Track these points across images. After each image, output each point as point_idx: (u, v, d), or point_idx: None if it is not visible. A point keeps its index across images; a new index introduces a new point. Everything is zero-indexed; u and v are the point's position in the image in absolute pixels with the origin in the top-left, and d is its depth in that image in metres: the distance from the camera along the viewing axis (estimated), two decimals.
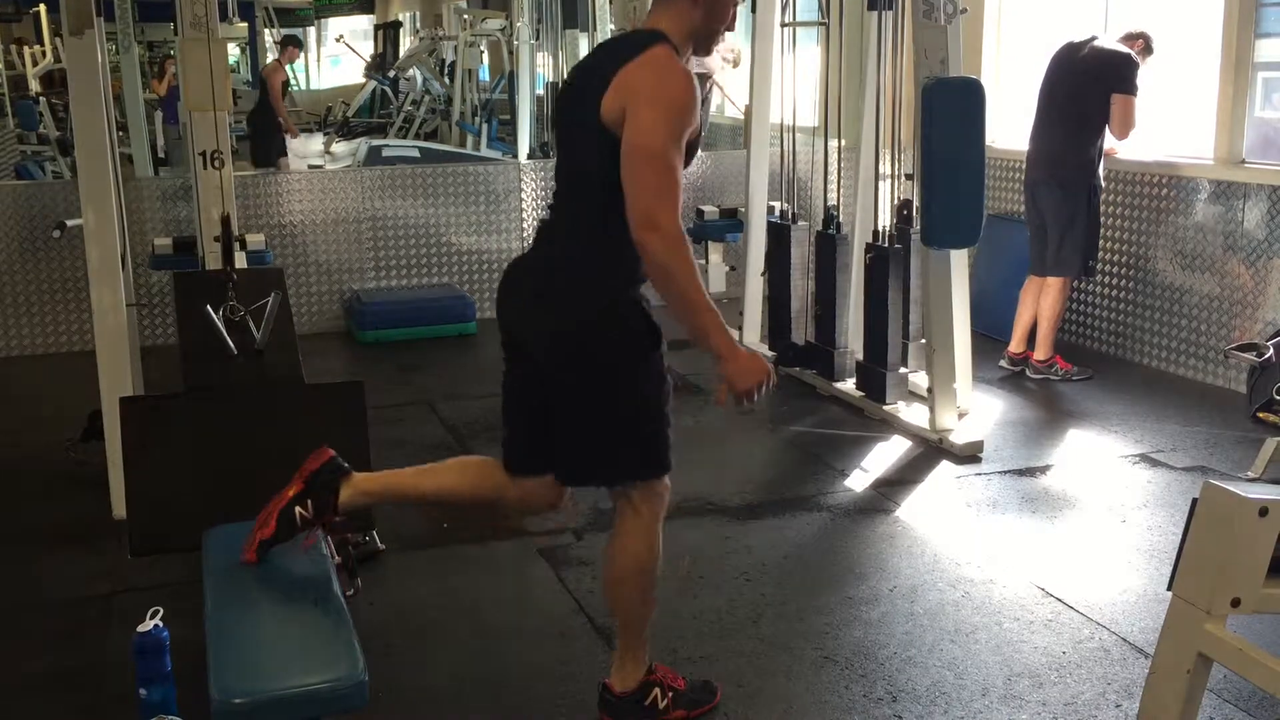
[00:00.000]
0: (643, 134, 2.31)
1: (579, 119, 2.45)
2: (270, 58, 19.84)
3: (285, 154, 11.16)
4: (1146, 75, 5.43)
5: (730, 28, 2.60)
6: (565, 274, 2.53)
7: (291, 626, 2.42)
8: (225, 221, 4.17)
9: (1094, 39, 5.49)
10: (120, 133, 7.94)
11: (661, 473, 2.63)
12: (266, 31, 21.09)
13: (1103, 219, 5.65)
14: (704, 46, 2.55)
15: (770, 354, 5.88)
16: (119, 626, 3.18)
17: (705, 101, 8.74)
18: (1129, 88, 5.33)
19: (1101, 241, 5.72)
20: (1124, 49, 5.39)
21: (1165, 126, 5.91)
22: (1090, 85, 5.39)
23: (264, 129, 11.18)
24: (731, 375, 2.43)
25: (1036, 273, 5.64)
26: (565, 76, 2.66)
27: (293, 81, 15.41)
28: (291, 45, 11.61)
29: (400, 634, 3.27)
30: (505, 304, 2.66)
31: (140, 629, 2.61)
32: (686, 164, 2.42)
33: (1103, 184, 5.49)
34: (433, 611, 3.43)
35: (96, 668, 3.11)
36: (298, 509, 2.53)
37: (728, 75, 8.92)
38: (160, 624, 2.62)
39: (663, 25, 2.47)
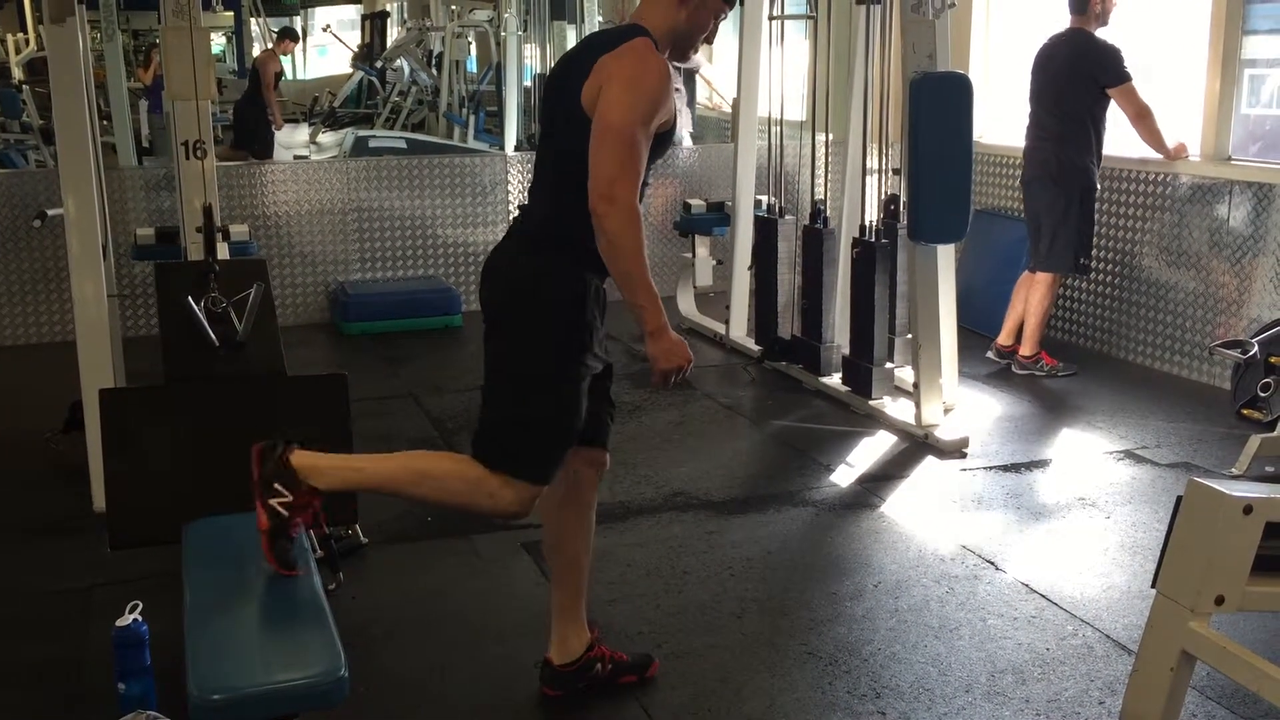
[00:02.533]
0: (611, 111, 2.41)
1: (561, 105, 2.54)
2: (258, 48, 19.76)
3: (270, 151, 11.05)
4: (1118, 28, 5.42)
5: (709, 39, 2.69)
6: (534, 243, 2.61)
7: (271, 621, 2.40)
8: (207, 212, 4.15)
9: (1068, 30, 5.46)
10: (104, 122, 7.89)
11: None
12: (254, 21, 21.00)
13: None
14: (681, 51, 2.65)
15: (757, 348, 5.89)
16: (98, 620, 3.15)
17: (689, 95, 8.76)
18: (1119, 77, 5.31)
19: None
20: (1096, 40, 5.36)
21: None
22: (1075, 83, 5.38)
23: (250, 120, 11.11)
24: (654, 353, 2.53)
25: (1032, 269, 5.64)
26: (552, 66, 2.72)
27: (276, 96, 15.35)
28: (287, 37, 11.53)
29: (382, 629, 3.25)
30: (483, 287, 2.72)
31: (119, 623, 2.59)
32: (659, 155, 2.54)
33: (1097, 184, 5.48)
34: (415, 606, 3.41)
35: (75, 661, 3.09)
36: (274, 502, 2.50)
37: (714, 69, 8.92)
38: (140, 618, 2.60)
39: (646, 20, 2.57)
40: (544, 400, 2.58)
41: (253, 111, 11.17)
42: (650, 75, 2.44)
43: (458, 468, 2.61)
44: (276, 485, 2.49)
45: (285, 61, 20.88)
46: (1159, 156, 5.61)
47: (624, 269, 2.44)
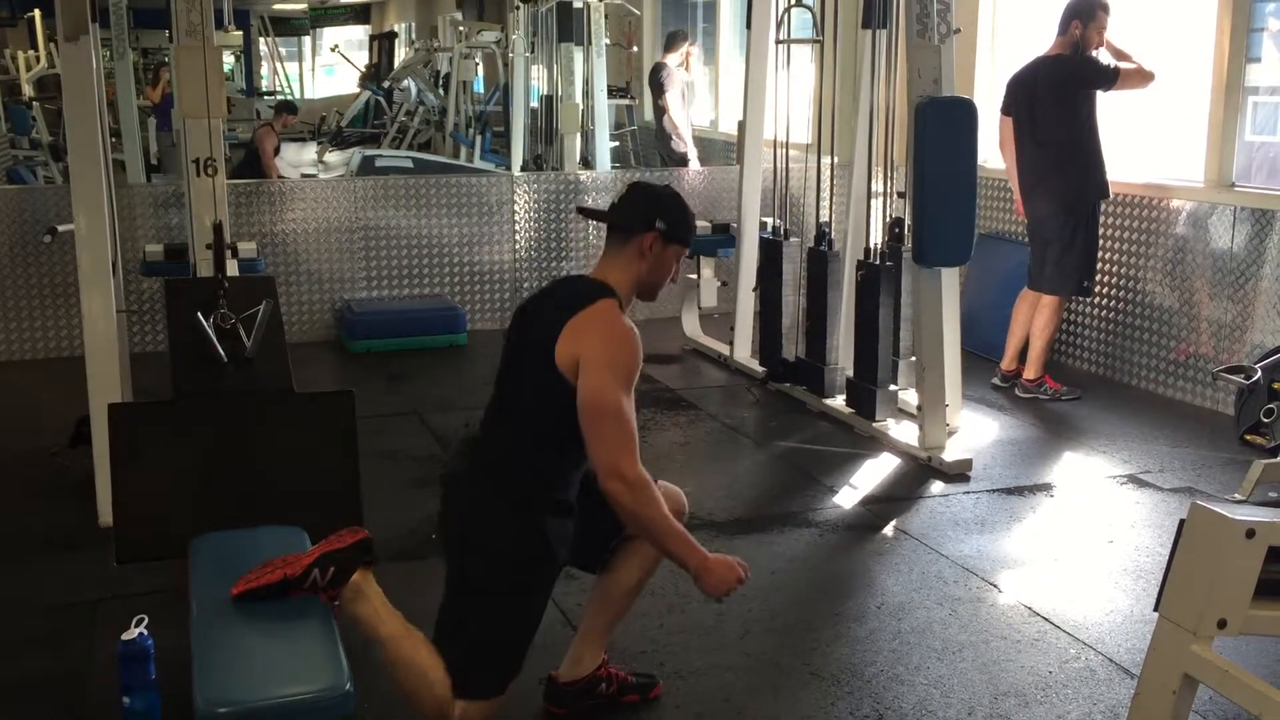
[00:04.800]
0: (598, 393, 2.47)
1: (531, 359, 2.59)
2: (266, 67, 19.88)
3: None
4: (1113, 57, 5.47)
5: (674, 279, 2.77)
6: (496, 496, 2.62)
7: (277, 636, 2.41)
8: (217, 229, 4.17)
9: (1045, 55, 5.51)
10: (113, 139, 7.92)
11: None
12: (262, 40, 21.12)
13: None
14: (648, 294, 2.73)
15: (761, 369, 5.90)
16: (104, 634, 3.16)
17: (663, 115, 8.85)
18: (1109, 76, 5.35)
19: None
20: (1073, 56, 5.40)
21: (1156, 149, 5.95)
22: (1058, 107, 5.41)
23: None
24: (708, 588, 2.54)
25: (1033, 287, 5.66)
26: (514, 315, 2.76)
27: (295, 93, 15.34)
28: (286, 112, 11.58)
29: None
30: (441, 517, 2.74)
31: (125, 636, 2.60)
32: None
33: (1109, 189, 5.50)
34: (419, 623, 3.40)
35: (81, 675, 3.10)
36: (316, 571, 2.52)
37: (683, 114, 8.98)
38: (145, 632, 2.61)
39: (610, 278, 2.65)
40: (507, 635, 2.62)
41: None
42: (625, 349, 2.52)
43: (442, 685, 2.59)
44: (331, 569, 2.52)
45: (292, 80, 21.00)
46: (1165, 183, 5.65)
47: (652, 533, 2.52)
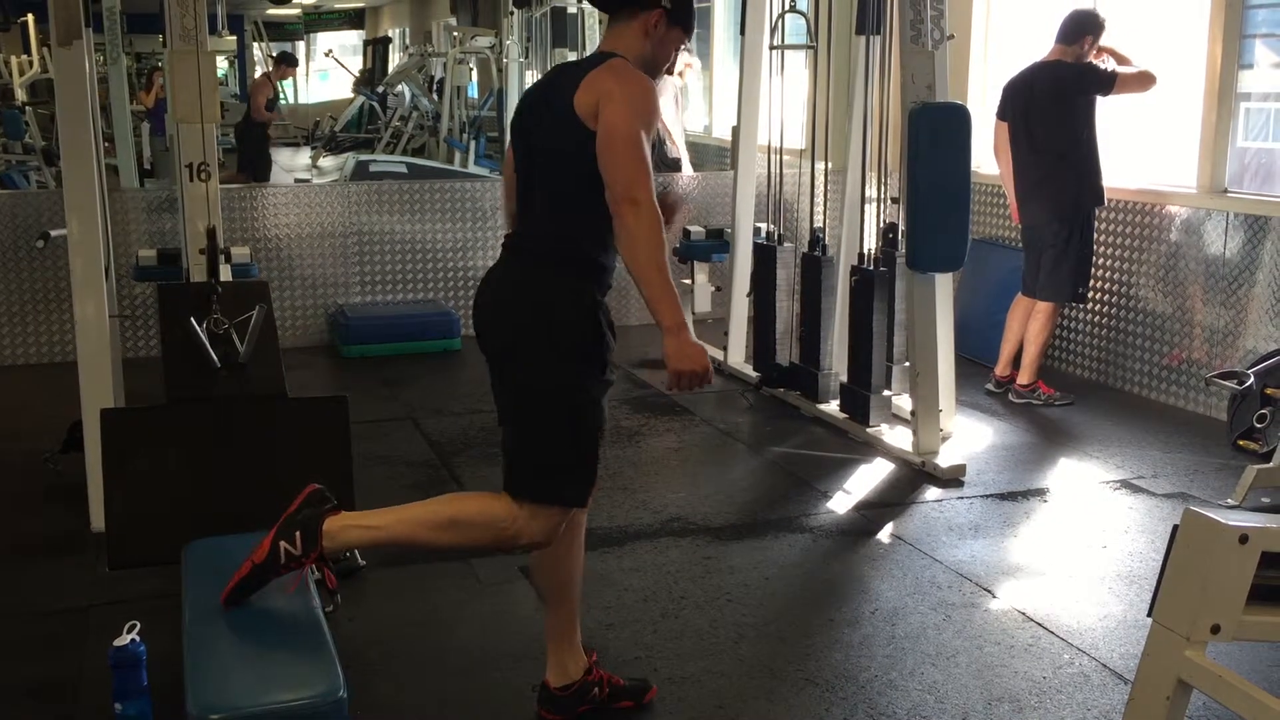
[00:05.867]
0: (618, 123, 2.49)
1: (546, 121, 2.62)
2: (259, 73, 19.83)
3: (268, 173, 11.12)
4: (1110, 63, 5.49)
5: (670, 70, 2.80)
6: (538, 266, 2.63)
7: (270, 642, 2.40)
8: (211, 234, 4.16)
9: (1044, 60, 5.52)
10: (106, 144, 7.92)
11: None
12: (256, 45, 21.11)
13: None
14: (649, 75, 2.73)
15: (755, 374, 5.90)
16: (96, 640, 3.15)
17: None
18: (1109, 81, 5.36)
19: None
20: (1073, 63, 5.41)
21: (1149, 155, 5.97)
22: (1056, 112, 5.42)
23: (250, 142, 11.18)
24: (671, 352, 2.51)
25: (1028, 293, 5.67)
26: (521, 99, 2.80)
27: (282, 97, 15.30)
28: (284, 63, 11.60)
29: (380, 651, 3.25)
30: (485, 320, 2.74)
31: (117, 643, 2.59)
32: None
33: (1104, 195, 5.51)
34: (413, 629, 3.41)
35: (72, 681, 3.08)
36: (283, 544, 2.51)
37: (677, 119, 8.99)
38: (137, 638, 2.60)
39: (617, 49, 2.67)
40: (577, 421, 2.61)
41: (250, 133, 11.22)
42: (641, 89, 2.55)
43: (482, 509, 2.62)
44: (296, 533, 2.51)
45: (286, 85, 20.97)
46: (1158, 189, 5.67)
47: (646, 266, 2.47)
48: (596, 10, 9.28)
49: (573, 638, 2.91)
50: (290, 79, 12.05)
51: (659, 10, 2.64)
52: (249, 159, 11.16)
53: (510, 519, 2.60)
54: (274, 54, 15.06)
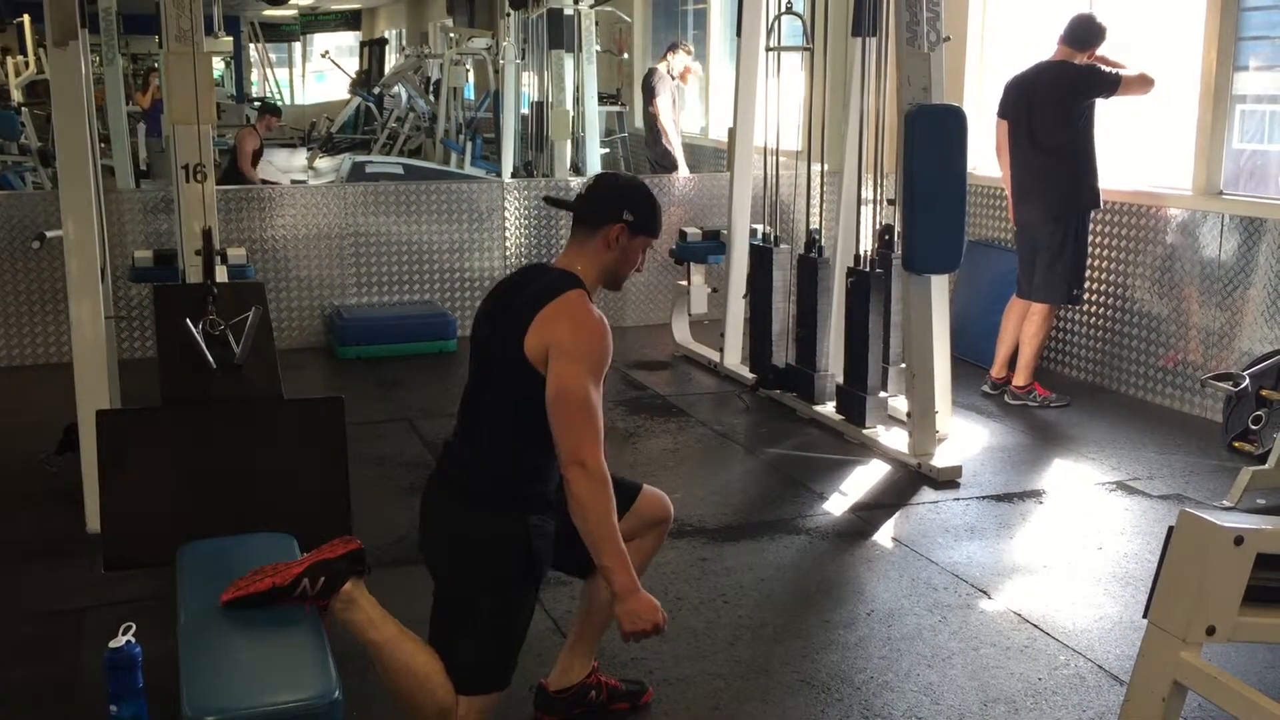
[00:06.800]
0: (567, 382, 2.47)
1: (499, 353, 2.60)
2: (256, 74, 19.85)
3: None
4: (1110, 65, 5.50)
5: (639, 269, 2.76)
6: (475, 502, 2.63)
7: (266, 644, 2.40)
8: (207, 235, 4.15)
9: (1048, 61, 5.53)
10: (102, 145, 7.91)
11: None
12: (252, 46, 21.10)
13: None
14: (614, 284, 2.73)
15: (751, 376, 5.91)
16: (91, 641, 3.15)
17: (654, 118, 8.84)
18: (1112, 80, 5.37)
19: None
20: (1077, 64, 5.43)
21: (1144, 157, 5.97)
22: (1058, 113, 5.43)
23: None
24: (621, 614, 2.51)
25: (1023, 295, 5.68)
26: (480, 305, 2.77)
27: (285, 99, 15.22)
28: (270, 114, 11.50)
29: None
30: (425, 540, 2.75)
31: (112, 644, 2.58)
32: None
33: (1100, 200, 5.52)
34: (412, 628, 3.39)
35: (68, 683, 3.08)
36: (306, 580, 2.51)
37: (673, 120, 8.98)
38: (133, 640, 2.59)
39: (577, 267, 2.64)
40: (502, 637, 2.62)
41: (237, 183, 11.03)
42: (593, 339, 2.52)
43: (444, 688, 2.59)
44: (321, 579, 2.52)
45: (282, 86, 20.96)
46: (1153, 191, 5.69)
47: (594, 533, 2.47)
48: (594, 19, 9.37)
49: (591, 649, 2.94)
50: (274, 130, 11.92)
51: (620, 224, 2.62)
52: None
53: (460, 704, 2.60)
54: (257, 104, 14.98)
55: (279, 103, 17.77)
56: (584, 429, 2.46)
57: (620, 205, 2.64)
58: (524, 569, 2.62)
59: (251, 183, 10.90)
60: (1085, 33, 5.46)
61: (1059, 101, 5.43)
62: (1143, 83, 5.41)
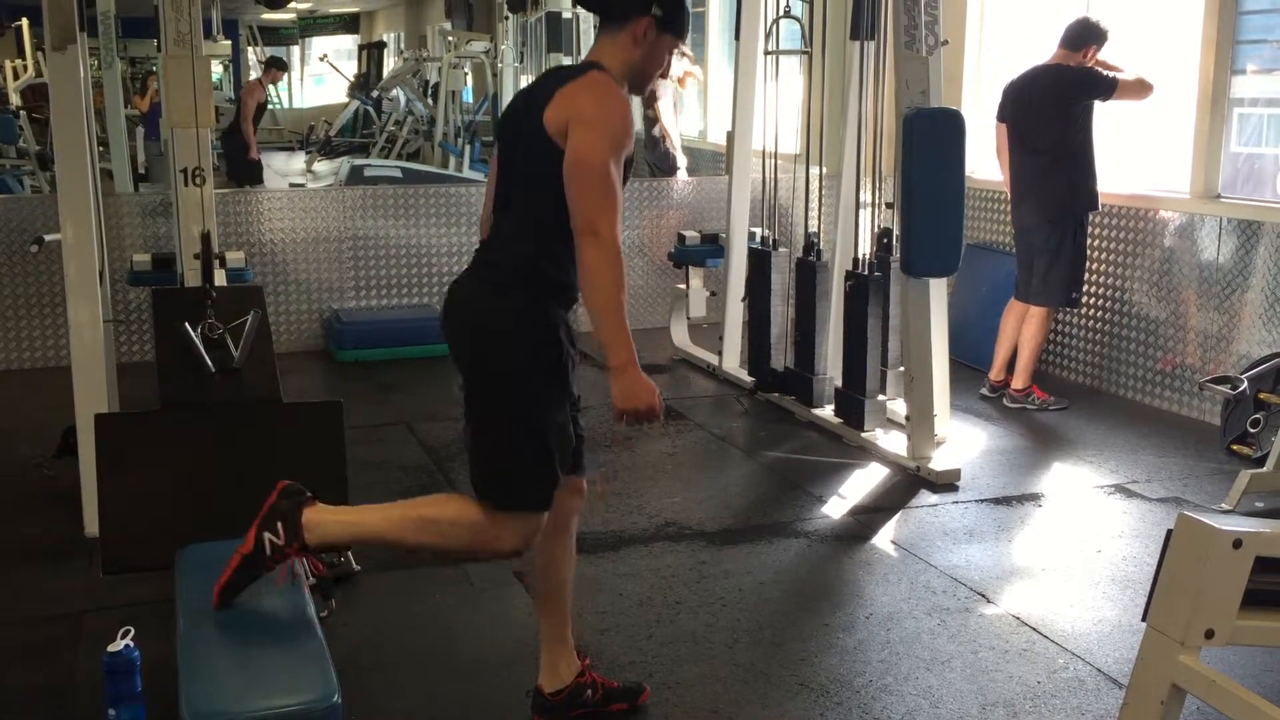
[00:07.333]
0: (585, 150, 2.45)
1: (523, 131, 2.58)
2: (254, 77, 19.81)
3: (260, 177, 11.00)
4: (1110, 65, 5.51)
5: (664, 74, 2.74)
6: (500, 283, 2.61)
7: (265, 647, 2.40)
8: (205, 239, 4.16)
9: (1045, 64, 5.54)
10: (101, 148, 7.91)
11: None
12: (250, 50, 21.11)
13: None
14: (638, 86, 2.69)
15: (749, 379, 5.91)
16: (89, 645, 3.14)
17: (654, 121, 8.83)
18: (1110, 84, 5.37)
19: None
20: (1074, 67, 5.43)
21: (1142, 160, 5.98)
22: (1063, 112, 5.43)
23: (236, 147, 11.07)
24: (617, 390, 2.49)
25: (1021, 298, 5.68)
26: (507, 105, 2.77)
27: (274, 100, 15.26)
28: (275, 67, 11.52)
29: (374, 656, 3.25)
30: (450, 332, 2.72)
31: (111, 648, 2.59)
32: (624, 181, 2.56)
33: (1099, 203, 5.53)
34: (408, 633, 3.41)
35: (66, 687, 3.08)
36: (266, 535, 2.51)
37: (672, 118, 8.98)
38: (131, 643, 2.60)
39: (603, 58, 2.62)
40: (533, 434, 2.58)
41: (238, 139, 11.14)
42: (614, 110, 2.50)
43: (462, 512, 2.61)
44: (278, 524, 2.51)
45: (281, 90, 20.96)
46: (1151, 194, 5.69)
47: (600, 301, 2.45)
48: (589, 14, 9.36)
49: (565, 641, 2.91)
50: (280, 82, 11.96)
51: (648, 18, 2.59)
52: (237, 166, 11.06)
53: (488, 523, 2.59)
54: (264, 59, 15.00)
55: (277, 106, 17.79)
56: (601, 198, 2.43)
57: None
58: (547, 357, 2.57)
59: (249, 146, 10.93)
60: (1080, 32, 5.47)
61: (1055, 104, 5.43)
62: (1141, 87, 5.42)
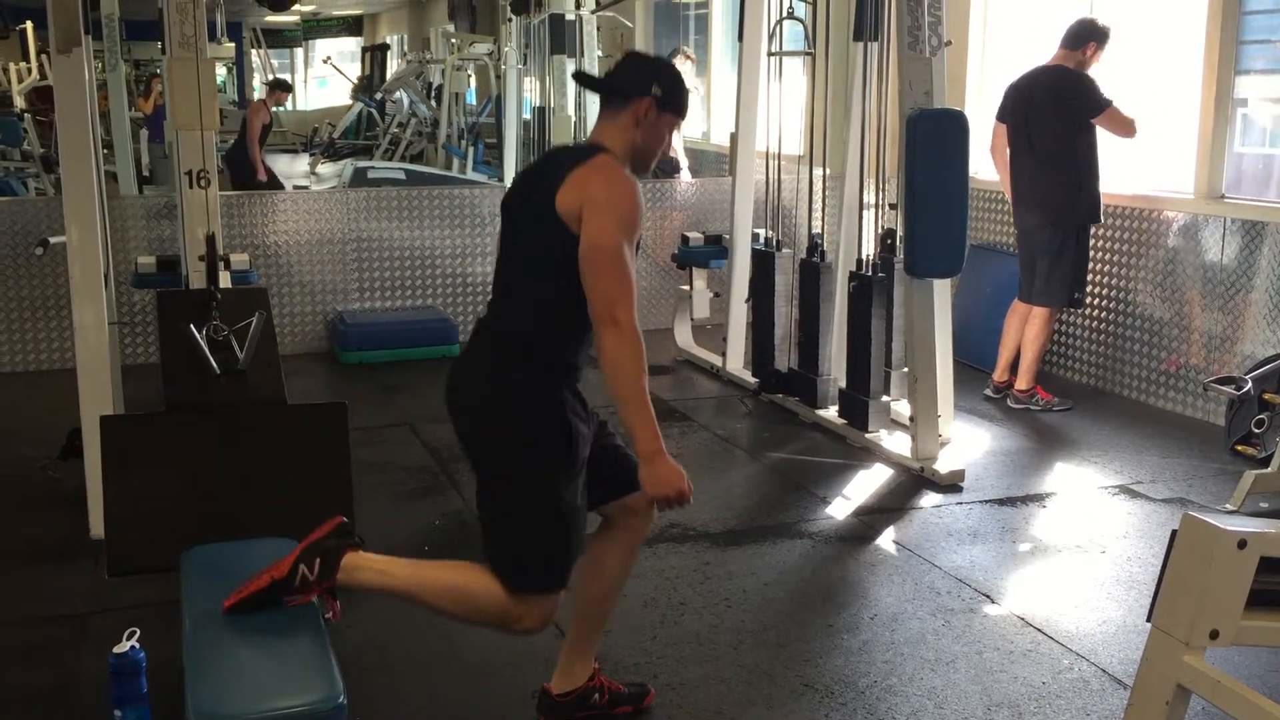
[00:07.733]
0: (601, 236, 2.45)
1: (527, 213, 2.58)
2: (258, 79, 19.85)
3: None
4: (1109, 70, 5.50)
5: (666, 152, 2.74)
6: (506, 365, 2.59)
7: (270, 649, 2.40)
8: (210, 240, 4.17)
9: (1046, 65, 5.54)
10: (105, 151, 7.93)
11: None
12: (254, 52, 21.14)
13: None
14: (641, 166, 2.69)
15: (753, 380, 5.91)
16: (95, 646, 3.15)
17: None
18: (1100, 105, 5.37)
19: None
20: (1073, 72, 5.43)
21: (1146, 161, 5.98)
22: (1061, 116, 5.44)
23: (241, 168, 11.01)
24: (645, 478, 2.51)
25: (1024, 299, 5.68)
26: (511, 184, 2.76)
27: (276, 125, 15.28)
28: (279, 89, 11.49)
29: (380, 658, 3.25)
30: (455, 416, 2.70)
31: (116, 650, 2.59)
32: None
33: (1101, 213, 5.53)
34: (413, 636, 3.41)
35: (72, 688, 3.09)
36: (303, 566, 2.51)
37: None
38: (137, 645, 2.60)
39: (606, 140, 2.63)
40: (545, 519, 2.57)
41: (244, 161, 11.08)
42: (624, 194, 2.50)
43: (489, 588, 2.58)
44: (317, 561, 2.52)
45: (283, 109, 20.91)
46: (1155, 194, 5.69)
47: (623, 391, 2.45)
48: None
49: (591, 649, 2.93)
50: (283, 105, 11.95)
51: (649, 98, 2.59)
52: (244, 185, 11.01)
53: (512, 605, 2.58)
54: (268, 80, 15.03)
55: (281, 109, 17.78)
56: (617, 284, 2.44)
57: (650, 78, 2.62)
58: (552, 436, 2.55)
59: (256, 169, 10.90)
60: (1080, 31, 5.47)
61: (1056, 107, 5.44)
62: (1127, 125, 5.40)
